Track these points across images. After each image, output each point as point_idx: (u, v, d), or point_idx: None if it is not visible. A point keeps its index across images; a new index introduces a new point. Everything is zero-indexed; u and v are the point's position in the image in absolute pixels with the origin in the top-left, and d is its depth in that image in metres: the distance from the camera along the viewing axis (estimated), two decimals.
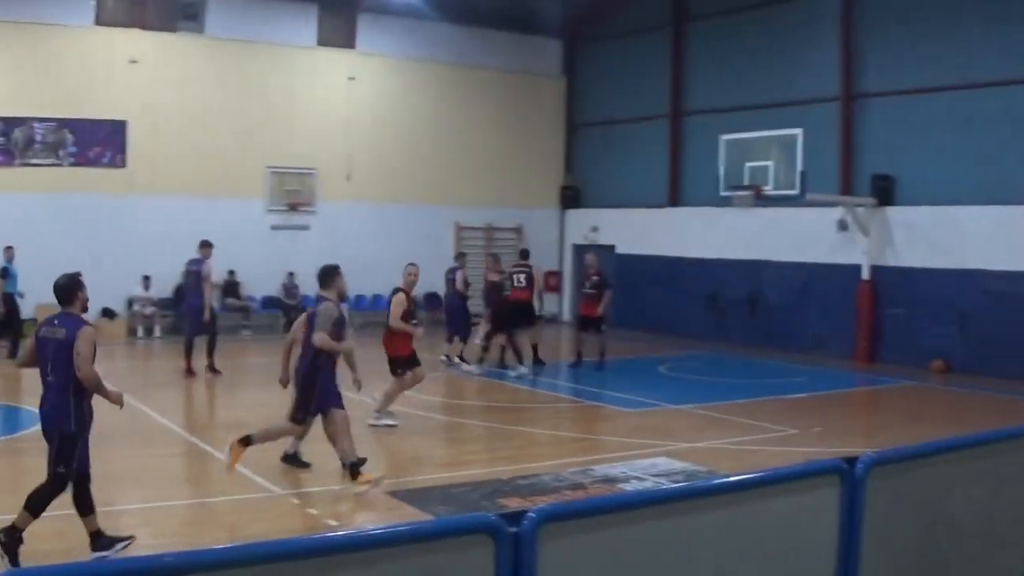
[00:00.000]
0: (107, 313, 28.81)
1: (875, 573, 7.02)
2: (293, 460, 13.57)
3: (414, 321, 17.18)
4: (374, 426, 16.21)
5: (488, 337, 24.11)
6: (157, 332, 29.04)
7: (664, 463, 14.41)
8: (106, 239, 28.60)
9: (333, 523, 11.11)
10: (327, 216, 32.35)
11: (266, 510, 11.50)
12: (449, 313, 25.40)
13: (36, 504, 9.36)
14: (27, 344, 10.09)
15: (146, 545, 9.82)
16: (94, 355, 9.41)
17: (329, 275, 13.19)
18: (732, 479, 6.68)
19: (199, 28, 30.50)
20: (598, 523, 5.47)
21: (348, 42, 32.96)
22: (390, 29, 33.58)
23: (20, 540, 9.25)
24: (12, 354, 22.46)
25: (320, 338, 12.40)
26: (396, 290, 17.06)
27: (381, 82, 33.76)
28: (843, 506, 6.79)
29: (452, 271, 25.37)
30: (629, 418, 18.26)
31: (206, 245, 22.01)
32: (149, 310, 29.17)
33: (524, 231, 36.17)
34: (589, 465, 14.16)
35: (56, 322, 9.52)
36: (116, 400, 9.78)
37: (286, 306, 31.05)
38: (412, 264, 17.66)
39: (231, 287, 30.24)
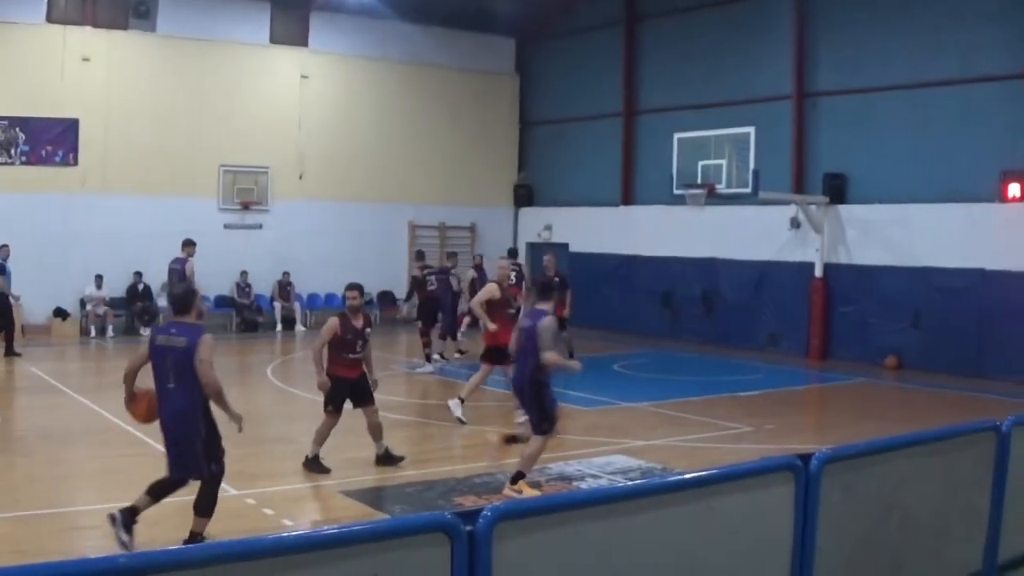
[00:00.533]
0: (59, 313, 28.63)
1: (830, 568, 7.06)
2: (386, 459, 13.76)
3: (511, 311, 17.76)
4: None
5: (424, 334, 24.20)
6: (110, 332, 28.81)
7: (619, 461, 14.45)
8: (58, 238, 28.41)
9: (289, 523, 11.08)
10: (280, 215, 32.24)
11: (221, 510, 11.42)
12: (445, 313, 25.62)
13: (206, 506, 9.93)
14: (140, 351, 10.20)
15: (100, 547, 9.76)
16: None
17: (548, 289, 13.14)
18: (687, 476, 6.69)
19: (151, 26, 30.30)
20: (554, 521, 5.47)
21: (301, 40, 32.87)
22: (343, 27, 33.50)
23: (202, 537, 9.79)
24: (7, 352, 23.36)
25: (551, 357, 12.20)
26: (489, 281, 17.86)
27: (334, 80, 33.67)
28: (797, 502, 6.82)
29: (445, 272, 25.66)
30: (584, 416, 18.27)
31: (189, 244, 22.33)
32: (102, 310, 28.96)
33: (477, 229, 36.18)
34: (545, 463, 14.15)
35: (173, 331, 9.80)
36: (235, 419, 10.00)
37: (239, 305, 30.94)
38: (504, 258, 18.87)
39: None
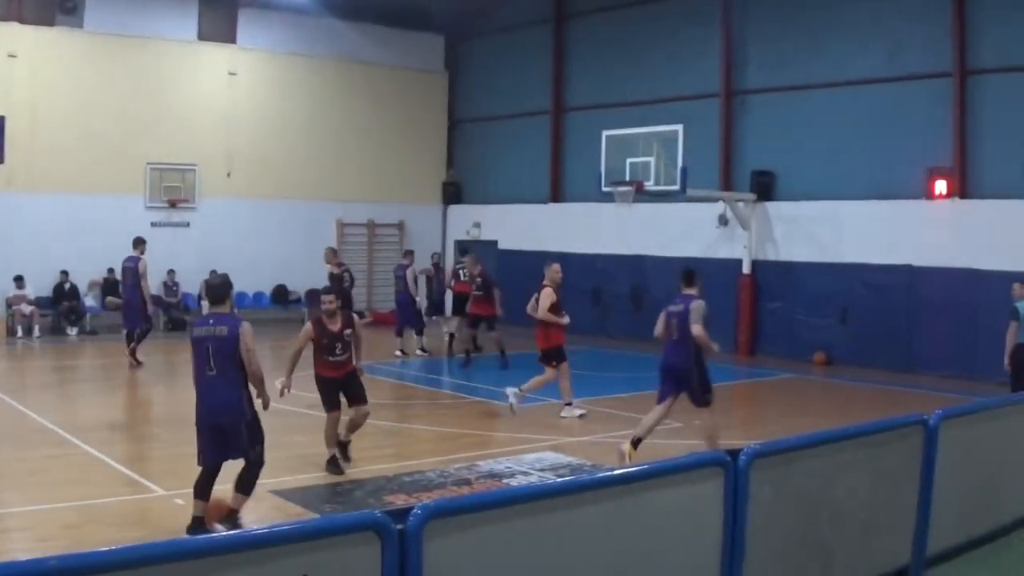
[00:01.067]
0: None
1: (760, 563, 7.12)
2: (332, 462, 13.53)
3: (563, 312, 18.52)
4: (564, 417, 17.68)
5: None
6: (36, 332, 28.44)
7: (549, 458, 14.49)
8: None
9: (218, 524, 11.00)
10: (207, 213, 32.01)
11: (150, 511, 11.36)
12: (400, 309, 25.81)
13: (248, 485, 10.46)
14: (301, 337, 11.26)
15: (28, 549, 9.67)
16: None
17: (693, 276, 14.71)
18: (617, 472, 6.74)
19: (78, 22, 30.00)
20: (484, 518, 5.49)
21: (229, 37, 32.67)
22: (271, 24, 33.34)
23: (239, 522, 10.34)
24: None
25: (699, 331, 13.70)
26: (543, 286, 18.31)
27: (262, 77, 33.48)
28: (726, 497, 6.88)
29: (402, 268, 26.14)
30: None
31: (140, 242, 22.47)
32: (28, 309, 28.55)
33: (406, 227, 36.14)
34: (474, 461, 14.18)
35: (212, 321, 10.29)
36: (266, 403, 10.71)
37: (166, 304, 30.69)
38: (555, 263, 19.34)
39: (111, 285, 29.76)
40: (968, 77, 23.88)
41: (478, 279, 24.71)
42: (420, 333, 26.04)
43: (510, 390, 17.57)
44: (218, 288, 10.62)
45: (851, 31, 25.97)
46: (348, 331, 13.41)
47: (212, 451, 10.33)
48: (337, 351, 13.35)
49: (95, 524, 10.60)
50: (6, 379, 21.62)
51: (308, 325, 13.53)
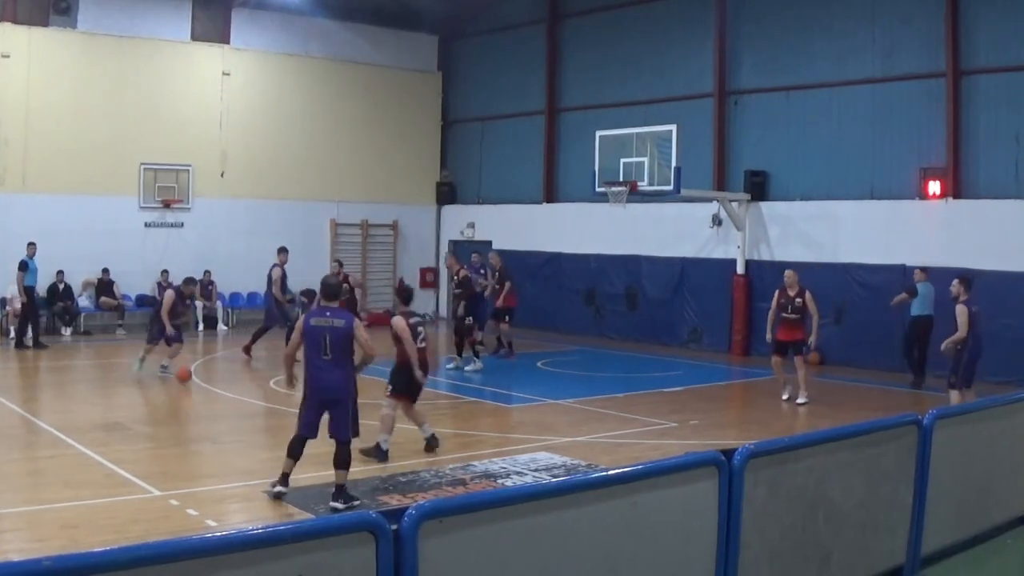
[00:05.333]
0: None
1: (755, 563, 7.13)
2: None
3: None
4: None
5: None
6: (29, 332, 28.25)
7: (544, 458, 14.48)
8: None
9: (213, 524, 11.00)
10: (201, 213, 31.95)
11: (145, 511, 11.35)
12: (267, 309, 25.84)
13: (345, 461, 11.76)
14: (294, 338, 12.16)
15: (23, 549, 9.66)
16: None
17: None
18: (612, 472, 6.73)
19: (71, 23, 29.93)
20: (479, 518, 5.49)
21: (222, 37, 32.61)
22: (264, 24, 33.29)
23: (351, 497, 11.73)
24: (21, 344, 25.46)
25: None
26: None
27: (256, 77, 33.44)
28: (721, 497, 6.89)
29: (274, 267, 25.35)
30: (508, 413, 18.33)
31: (281, 251, 25.15)
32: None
33: (400, 227, 36.12)
34: (469, 461, 14.18)
35: (328, 314, 11.84)
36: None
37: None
38: (792, 272, 20.21)
39: (105, 286, 29.74)
40: (962, 77, 23.89)
41: (456, 277, 24.90)
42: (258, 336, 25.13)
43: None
44: (334, 287, 12.22)
45: (844, 31, 25.99)
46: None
47: (313, 424, 11.85)
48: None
49: (90, 525, 10.60)
50: (0, 379, 21.61)
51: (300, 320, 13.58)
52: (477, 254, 26.96)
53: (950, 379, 17.10)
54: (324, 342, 11.66)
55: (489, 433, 16.54)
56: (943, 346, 17.29)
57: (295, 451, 11.88)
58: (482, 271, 25.74)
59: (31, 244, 26.07)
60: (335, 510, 11.27)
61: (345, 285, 23.62)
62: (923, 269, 22.46)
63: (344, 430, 11.75)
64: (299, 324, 12.40)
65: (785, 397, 19.79)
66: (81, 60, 30.10)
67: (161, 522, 10.95)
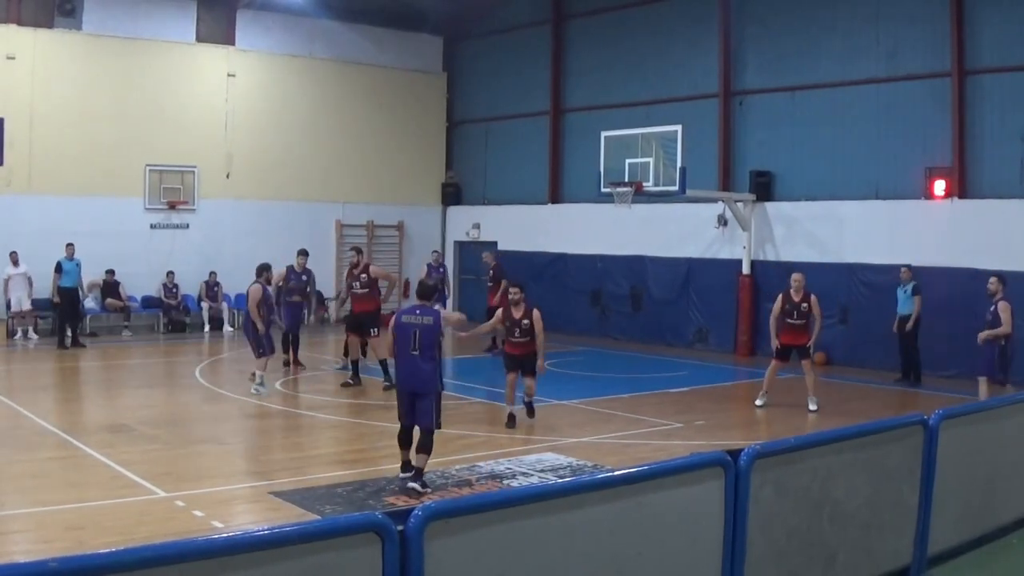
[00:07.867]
0: None
1: (761, 563, 7.12)
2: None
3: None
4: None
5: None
6: (31, 334, 28.26)
7: (550, 458, 14.48)
8: None
9: (219, 525, 11.00)
10: (207, 214, 31.97)
11: (151, 513, 11.35)
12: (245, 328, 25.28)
13: (429, 446, 12.55)
14: (388, 338, 13.16)
15: (29, 551, 9.67)
16: None
17: None
18: (618, 473, 6.72)
19: (76, 24, 29.94)
20: (485, 519, 5.49)
21: (227, 38, 32.63)
22: (269, 25, 33.30)
23: (425, 484, 12.48)
24: (62, 344, 25.80)
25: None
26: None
27: (261, 79, 33.45)
28: (727, 498, 6.88)
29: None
30: (514, 414, 18.30)
31: (302, 252, 25.03)
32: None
33: (405, 228, 36.14)
34: (475, 462, 14.18)
35: (418, 312, 12.69)
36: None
37: (166, 306, 30.67)
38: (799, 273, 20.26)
39: (111, 287, 29.75)
40: (967, 77, 23.88)
41: (438, 272, 25.41)
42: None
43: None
44: (430, 288, 13.35)
45: (849, 31, 25.98)
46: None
47: (407, 414, 12.72)
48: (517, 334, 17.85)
49: (96, 526, 10.61)
50: (6, 381, 21.62)
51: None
52: (436, 252, 27.54)
53: (992, 371, 17.26)
54: (414, 338, 12.48)
55: (495, 434, 16.53)
56: (980, 338, 17.35)
57: (404, 442, 12.91)
58: (441, 270, 26.50)
59: (69, 245, 26.98)
60: (413, 490, 12.23)
61: (364, 275, 23.34)
62: (908, 268, 23.02)
63: (428, 420, 12.54)
64: (391, 322, 13.00)
65: (759, 404, 19.65)
66: (86, 62, 30.11)
67: (167, 523, 10.95)
